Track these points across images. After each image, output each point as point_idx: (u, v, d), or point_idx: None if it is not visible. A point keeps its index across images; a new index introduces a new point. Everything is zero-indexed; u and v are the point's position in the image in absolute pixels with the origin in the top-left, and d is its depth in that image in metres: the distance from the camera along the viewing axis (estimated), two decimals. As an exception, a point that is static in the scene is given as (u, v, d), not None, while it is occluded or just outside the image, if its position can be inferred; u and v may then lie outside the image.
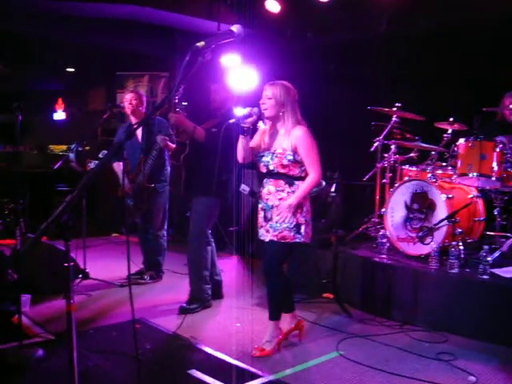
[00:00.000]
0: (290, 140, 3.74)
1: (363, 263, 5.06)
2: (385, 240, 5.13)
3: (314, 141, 3.80)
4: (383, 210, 5.40)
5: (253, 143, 3.90)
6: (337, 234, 5.22)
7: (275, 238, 3.77)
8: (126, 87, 8.90)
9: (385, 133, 5.81)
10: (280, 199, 3.76)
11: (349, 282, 5.10)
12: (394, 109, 5.69)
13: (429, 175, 5.13)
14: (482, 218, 5.11)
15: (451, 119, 5.29)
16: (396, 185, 5.31)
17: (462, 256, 4.62)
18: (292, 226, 3.74)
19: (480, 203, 5.16)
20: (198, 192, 4.77)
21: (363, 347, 4.06)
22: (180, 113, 4.65)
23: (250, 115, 3.71)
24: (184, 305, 4.78)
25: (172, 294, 5.28)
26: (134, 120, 5.60)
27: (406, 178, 5.31)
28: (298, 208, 3.75)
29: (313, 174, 3.75)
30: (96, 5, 6.91)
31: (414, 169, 5.44)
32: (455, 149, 5.17)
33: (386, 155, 5.83)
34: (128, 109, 5.53)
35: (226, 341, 4.11)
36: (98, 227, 8.50)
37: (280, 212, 3.73)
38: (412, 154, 5.77)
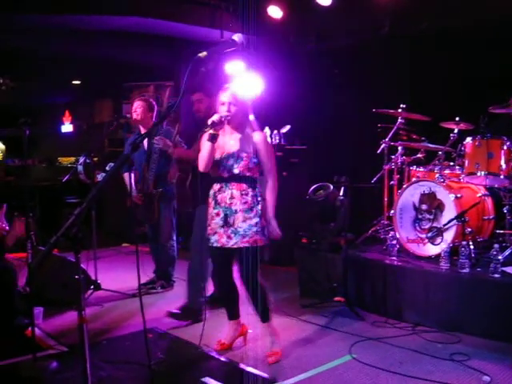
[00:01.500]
0: (252, 144, 3.78)
1: (373, 266, 5.06)
2: (394, 242, 5.12)
3: (272, 147, 3.91)
4: (392, 211, 5.39)
5: None
6: (346, 238, 5.21)
7: (247, 244, 3.73)
8: (131, 98, 8.95)
9: (391, 134, 5.81)
10: (245, 203, 3.74)
11: (359, 285, 5.10)
12: (400, 110, 5.68)
13: (436, 175, 5.12)
14: (491, 217, 5.09)
15: (457, 119, 5.28)
16: (404, 186, 5.31)
17: (473, 255, 4.62)
18: (260, 229, 3.76)
19: (489, 202, 5.14)
20: (199, 202, 4.69)
21: (376, 350, 4.06)
22: (178, 145, 4.61)
23: (220, 121, 3.69)
24: (176, 311, 4.70)
25: (183, 303, 5.27)
26: (142, 129, 5.61)
27: (414, 179, 5.30)
28: (262, 211, 3.78)
29: (273, 178, 3.84)
30: (99, 17, 6.95)
31: (421, 169, 5.43)
32: (462, 148, 5.16)
33: (392, 157, 5.82)
34: (133, 117, 5.53)
35: (239, 347, 4.12)
36: (108, 238, 8.55)
37: (272, 225, 3.81)
38: (419, 155, 5.76)
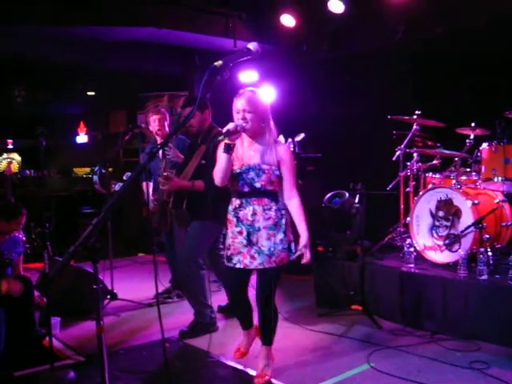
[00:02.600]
0: (274, 155, 3.49)
1: (390, 273, 5.02)
2: (411, 249, 5.08)
3: None
4: (408, 218, 5.36)
5: None
6: (362, 245, 5.18)
7: (274, 264, 3.47)
8: (146, 108, 8.99)
9: (406, 141, 5.77)
10: (268, 219, 3.47)
11: (377, 292, 5.06)
12: (414, 117, 5.65)
13: (453, 182, 5.09)
14: (509, 223, 5.03)
15: (473, 124, 5.24)
16: (420, 193, 5.27)
17: (491, 262, 4.56)
18: (286, 246, 3.51)
19: (507, 208, 5.08)
20: (194, 217, 4.60)
21: (394, 358, 4.01)
22: (172, 177, 4.49)
23: (236, 130, 3.36)
24: (185, 329, 4.64)
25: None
26: (159, 139, 5.63)
27: (430, 186, 5.27)
28: (287, 226, 3.54)
29: (297, 198, 3.52)
30: (114, 28, 7.02)
31: (437, 176, 5.40)
32: (478, 154, 5.13)
33: (408, 164, 5.79)
34: (154, 131, 5.55)
35: (256, 357, 4.09)
36: (123, 247, 8.58)
37: (306, 254, 3.47)
38: (435, 162, 5.74)
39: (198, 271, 4.61)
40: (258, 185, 3.47)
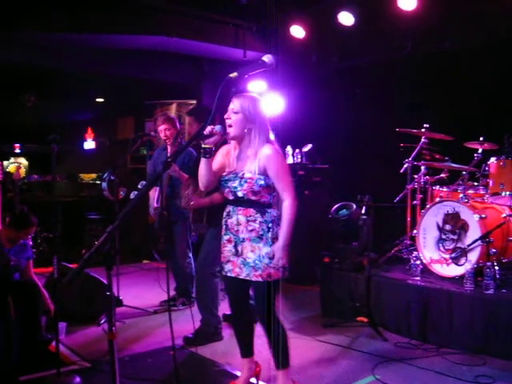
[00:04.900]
0: (258, 161, 3.29)
1: (396, 286, 5.02)
2: (418, 262, 5.08)
3: (285, 161, 3.43)
4: (415, 231, 5.36)
5: (216, 165, 3.42)
6: (369, 257, 5.18)
7: (260, 278, 3.30)
8: (154, 116, 9.03)
9: (414, 154, 5.80)
10: (251, 231, 3.32)
11: (382, 305, 5.06)
12: (423, 130, 5.67)
13: (460, 195, 5.09)
14: (516, 238, 5.04)
15: (481, 138, 5.26)
16: (427, 206, 5.28)
17: (498, 276, 4.56)
18: None
19: (514, 222, 5.09)
20: (211, 224, 4.59)
21: (400, 371, 4.01)
22: (193, 201, 4.47)
23: (211, 134, 3.20)
24: (190, 335, 4.62)
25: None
26: (169, 147, 5.64)
27: (438, 199, 5.28)
28: (276, 239, 3.32)
29: (289, 200, 3.27)
30: (123, 36, 7.06)
31: (445, 189, 5.41)
32: (486, 168, 5.15)
33: (415, 176, 5.81)
34: (162, 138, 5.58)
35: (262, 366, 4.10)
36: (129, 254, 8.59)
37: (275, 256, 3.27)
38: (442, 175, 5.75)
39: (211, 278, 4.62)
40: (240, 194, 3.34)
